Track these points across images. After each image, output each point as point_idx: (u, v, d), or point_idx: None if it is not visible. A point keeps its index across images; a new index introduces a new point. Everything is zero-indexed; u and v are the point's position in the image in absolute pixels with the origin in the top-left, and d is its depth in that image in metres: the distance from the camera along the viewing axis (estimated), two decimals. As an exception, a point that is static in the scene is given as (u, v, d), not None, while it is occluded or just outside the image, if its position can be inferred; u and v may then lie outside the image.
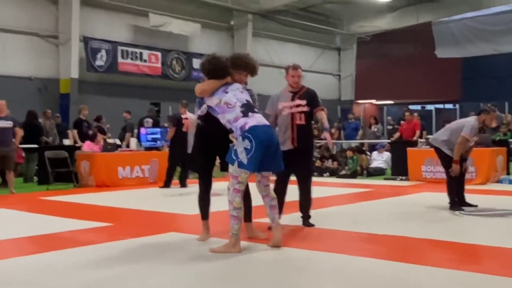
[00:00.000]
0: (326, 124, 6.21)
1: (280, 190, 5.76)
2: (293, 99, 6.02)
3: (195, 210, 6.37)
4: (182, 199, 9.06)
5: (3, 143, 9.76)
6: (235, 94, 4.78)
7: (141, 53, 18.62)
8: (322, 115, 6.11)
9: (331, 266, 4.17)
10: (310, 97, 6.05)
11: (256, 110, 4.79)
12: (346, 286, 3.65)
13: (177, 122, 10.50)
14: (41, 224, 6.45)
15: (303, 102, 5.98)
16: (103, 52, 17.48)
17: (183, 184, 10.57)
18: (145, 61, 18.75)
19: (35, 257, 4.65)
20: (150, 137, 12.05)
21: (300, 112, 5.95)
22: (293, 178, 5.96)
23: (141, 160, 11.52)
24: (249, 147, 4.49)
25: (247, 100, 4.79)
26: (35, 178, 11.97)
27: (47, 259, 4.54)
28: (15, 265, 4.37)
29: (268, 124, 4.80)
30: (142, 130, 12.36)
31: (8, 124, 9.90)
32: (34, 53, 16.44)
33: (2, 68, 15.50)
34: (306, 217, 6.04)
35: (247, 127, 4.55)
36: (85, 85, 17.05)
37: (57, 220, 6.74)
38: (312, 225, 5.92)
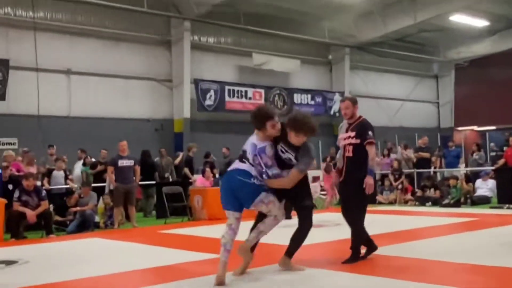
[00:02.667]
0: (371, 163, 5.58)
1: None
2: (347, 131, 5.82)
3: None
4: (288, 230, 9.07)
5: (126, 180, 10.33)
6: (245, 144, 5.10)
7: (246, 91, 19.09)
8: (370, 151, 5.62)
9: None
10: (360, 129, 5.71)
11: (243, 159, 5.01)
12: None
13: None
14: (160, 256, 6.74)
15: (352, 134, 5.71)
16: (212, 92, 18.12)
17: (287, 215, 10.56)
18: (249, 98, 19.17)
19: (156, 287, 4.86)
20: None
21: (349, 144, 5.67)
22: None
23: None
24: None
25: (243, 150, 5.08)
26: (154, 213, 12.52)
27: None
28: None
29: (235, 168, 5.00)
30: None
31: (130, 162, 10.48)
32: (151, 96, 17.38)
33: (125, 112, 16.52)
34: None
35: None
36: (196, 123, 17.71)
37: (174, 252, 6.99)
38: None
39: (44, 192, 9.47)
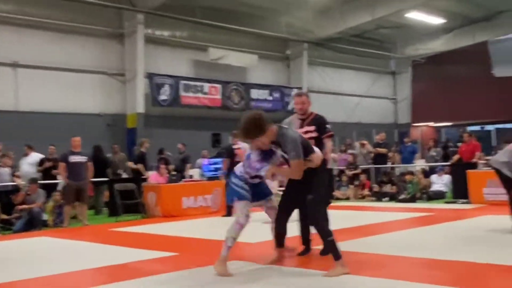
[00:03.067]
0: (327, 157, 5.63)
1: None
2: (301, 126, 5.86)
3: (257, 238, 6.42)
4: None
5: (79, 177, 10.10)
6: None
7: (202, 86, 18.94)
8: (328, 145, 5.82)
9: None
10: (318, 123, 5.85)
11: None
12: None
13: (230, 153, 10.58)
14: (111, 255, 6.60)
15: (311, 128, 5.81)
16: (167, 87, 17.89)
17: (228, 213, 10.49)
18: (205, 93, 19.04)
19: (105, 287, 4.75)
20: (212, 167, 12.20)
21: (310, 138, 5.63)
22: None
23: (204, 190, 11.63)
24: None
25: None
26: (105, 210, 12.29)
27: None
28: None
29: None
30: (204, 161, 12.52)
31: (83, 159, 10.25)
32: (103, 90, 17.02)
33: (75, 106, 16.13)
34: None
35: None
36: (150, 119, 17.47)
37: (126, 250, 6.88)
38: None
39: None
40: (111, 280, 5.03)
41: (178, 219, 10.47)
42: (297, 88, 21.89)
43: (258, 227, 7.06)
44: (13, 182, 10.88)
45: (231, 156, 10.49)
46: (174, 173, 12.81)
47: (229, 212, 10.51)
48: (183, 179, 12.41)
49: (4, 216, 9.96)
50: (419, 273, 4.76)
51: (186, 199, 11.33)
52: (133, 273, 5.24)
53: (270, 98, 21.35)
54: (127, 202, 11.18)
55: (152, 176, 12.04)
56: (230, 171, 10.62)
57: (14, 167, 11.39)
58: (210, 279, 4.88)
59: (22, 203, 9.97)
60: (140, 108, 17.18)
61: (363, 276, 4.64)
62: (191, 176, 13.48)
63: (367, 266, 5.09)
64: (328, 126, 5.86)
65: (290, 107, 21.43)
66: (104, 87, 17.08)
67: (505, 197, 7.74)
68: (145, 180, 12.13)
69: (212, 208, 11.63)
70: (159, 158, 13.54)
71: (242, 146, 10.49)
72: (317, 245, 5.74)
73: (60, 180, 10.86)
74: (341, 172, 14.93)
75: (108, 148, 13.84)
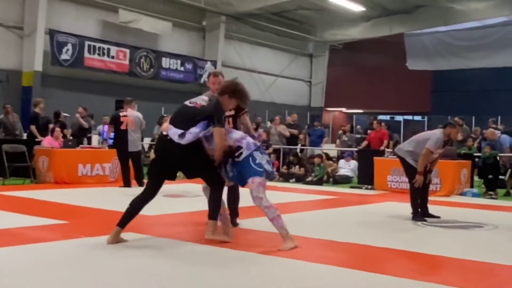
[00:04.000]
0: (251, 131, 5.99)
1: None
2: None
3: (154, 211, 6.32)
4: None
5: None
6: None
7: (108, 49, 18.38)
8: (246, 120, 6.05)
9: (287, 272, 4.10)
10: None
11: None
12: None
13: (115, 120, 10.36)
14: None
15: None
16: (69, 46, 17.19)
17: (140, 183, 10.31)
18: (112, 57, 18.52)
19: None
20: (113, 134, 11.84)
21: (228, 117, 5.79)
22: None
23: (102, 158, 11.28)
24: (268, 158, 5.15)
25: None
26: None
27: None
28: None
29: None
30: (105, 128, 12.14)
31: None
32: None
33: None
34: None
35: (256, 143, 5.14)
36: (49, 79, 16.72)
37: (10, 215, 6.54)
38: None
39: None
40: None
41: (72, 187, 10.10)
42: (211, 61, 21.78)
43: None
44: None
45: (116, 123, 10.28)
46: (71, 138, 12.32)
47: (127, 183, 10.30)
48: (81, 145, 11.96)
49: None
50: (318, 254, 4.86)
51: (82, 167, 10.95)
52: (16, 240, 4.98)
53: (182, 68, 21.11)
54: (16, 165, 10.65)
55: (46, 140, 11.50)
56: (114, 139, 10.53)
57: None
58: (98, 249, 4.73)
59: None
60: (38, 66, 16.40)
61: (261, 254, 4.66)
62: (89, 141, 13.05)
63: (266, 245, 5.12)
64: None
65: (202, 80, 21.28)
66: (-1, 40, 16.15)
67: (407, 186, 8.12)
68: (38, 143, 11.59)
69: (110, 177, 11.32)
70: (55, 121, 12.95)
71: (130, 115, 10.31)
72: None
73: None
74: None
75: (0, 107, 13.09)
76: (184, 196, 9.11)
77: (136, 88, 18.63)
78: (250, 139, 5.14)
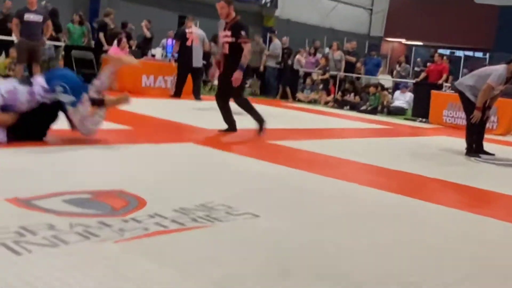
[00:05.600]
0: (243, 60, 6.38)
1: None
2: (224, 30, 6.54)
3: (213, 125, 6.57)
4: (202, 113, 9.16)
5: (32, 36, 9.79)
6: None
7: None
8: (245, 48, 6.40)
9: (338, 192, 4.25)
10: (235, 29, 6.43)
11: None
12: (351, 210, 3.73)
13: (181, 36, 10.64)
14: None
15: (228, 33, 6.45)
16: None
17: (197, 97, 10.75)
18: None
19: (63, 148, 4.80)
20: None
21: (226, 43, 6.45)
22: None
23: (165, 71, 11.51)
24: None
25: None
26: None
27: (78, 153, 4.71)
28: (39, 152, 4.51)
29: None
30: (169, 41, 12.31)
31: (38, 18, 9.89)
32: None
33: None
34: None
35: None
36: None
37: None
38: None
39: None
40: (70, 144, 5.03)
41: (135, 96, 10.36)
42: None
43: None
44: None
45: (182, 39, 10.56)
46: (136, 49, 12.57)
47: (178, 93, 10.78)
48: (144, 57, 12.22)
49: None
50: (365, 177, 4.98)
51: (145, 78, 11.22)
52: (87, 141, 5.27)
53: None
54: (84, 71, 11.00)
55: (112, 49, 11.76)
56: (178, 54, 10.78)
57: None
58: (162, 155, 4.99)
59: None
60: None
61: (315, 173, 4.82)
62: (153, 55, 13.27)
63: (320, 166, 5.29)
64: (243, 33, 6.40)
65: (263, 0, 20.98)
66: None
67: (463, 121, 8.04)
68: (105, 52, 11.88)
69: (171, 90, 11.58)
70: (122, 31, 13.16)
71: (195, 31, 10.54)
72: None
73: (14, 37, 10.52)
74: (306, 75, 14.97)
75: (68, 14, 13.33)
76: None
77: (197, 3, 18.57)
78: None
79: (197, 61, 10.74)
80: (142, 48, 13.29)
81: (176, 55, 11.11)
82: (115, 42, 11.76)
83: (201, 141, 6.01)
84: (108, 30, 12.33)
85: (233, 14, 6.51)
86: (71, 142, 5.06)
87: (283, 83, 14.49)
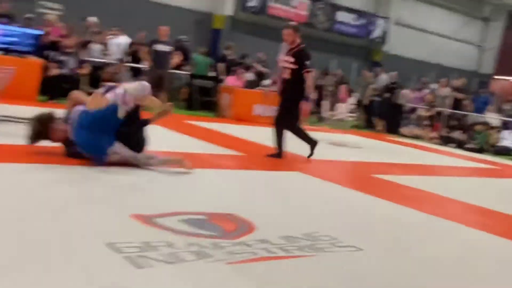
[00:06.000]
0: (309, 91, 6.36)
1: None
2: (287, 54, 6.39)
3: (318, 155, 6.56)
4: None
5: (161, 64, 10.35)
6: None
7: (290, -1, 18.61)
8: (308, 79, 6.29)
9: (444, 231, 4.07)
10: (299, 57, 6.29)
11: None
12: (457, 252, 3.56)
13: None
14: (185, 143, 6.87)
15: (291, 59, 6.29)
16: (256, -6, 17.70)
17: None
18: (293, 7, 18.70)
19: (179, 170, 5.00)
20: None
21: (287, 68, 6.31)
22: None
23: (275, 100, 11.58)
24: None
25: None
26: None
27: (194, 175, 4.84)
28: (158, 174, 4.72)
29: None
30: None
31: (168, 48, 10.44)
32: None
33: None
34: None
35: None
36: (237, 23, 17.39)
37: (196, 142, 7.12)
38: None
39: (82, 58, 9.61)
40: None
41: (248, 124, 10.63)
42: (383, 18, 21.12)
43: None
44: (103, 59, 11.25)
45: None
46: (251, 79, 12.87)
47: None
48: (259, 87, 12.49)
49: (90, 90, 10.41)
50: (473, 219, 4.74)
51: (257, 107, 11.42)
52: (202, 163, 5.43)
53: (356, 23, 20.70)
54: (204, 99, 11.39)
55: (230, 79, 12.15)
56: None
57: (104, 45, 11.71)
58: (269, 181, 5.05)
59: (109, 80, 10.34)
60: (229, 10, 17.08)
61: (420, 211, 4.65)
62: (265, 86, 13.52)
63: (425, 203, 5.10)
64: (307, 62, 6.26)
65: (373, 35, 20.80)
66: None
67: None
68: (222, 81, 12.28)
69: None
70: (240, 62, 13.58)
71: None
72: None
73: (145, 65, 11.16)
74: (413, 110, 14.58)
75: (192, 44, 13.94)
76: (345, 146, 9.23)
77: (310, 38, 18.74)
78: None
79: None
80: (258, 79, 13.57)
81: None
82: (233, 72, 12.14)
83: (308, 170, 6.02)
84: (227, 61, 12.75)
85: (298, 40, 6.40)
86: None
87: (382, 116, 14.15)
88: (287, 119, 6.51)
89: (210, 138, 7.59)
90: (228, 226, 3.33)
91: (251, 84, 12.07)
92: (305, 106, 6.42)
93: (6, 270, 2.25)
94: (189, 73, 12.53)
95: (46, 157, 4.54)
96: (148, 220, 3.21)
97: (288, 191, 4.80)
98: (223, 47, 13.44)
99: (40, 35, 9.53)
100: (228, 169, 5.39)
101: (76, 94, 5.07)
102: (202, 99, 11.39)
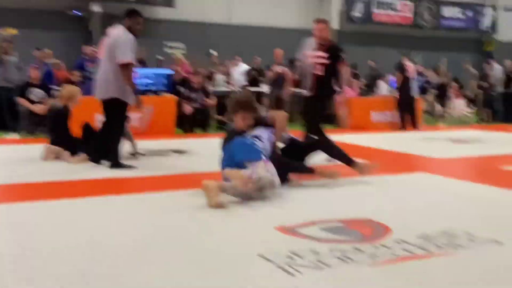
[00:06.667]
0: (345, 81, 6.25)
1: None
2: (317, 50, 6.02)
3: (442, 153, 6.36)
4: (427, 142, 8.94)
5: (279, 86, 10.62)
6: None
7: (393, 3, 18.21)
8: (346, 71, 6.16)
9: None
10: (334, 51, 5.99)
11: None
12: None
13: (401, 68, 10.65)
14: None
15: (325, 55, 5.96)
16: (360, 4, 17.54)
17: (416, 126, 10.72)
18: (397, 10, 18.31)
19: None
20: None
21: (321, 64, 5.96)
22: None
23: (390, 105, 11.39)
24: None
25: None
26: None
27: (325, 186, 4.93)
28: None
29: None
30: (392, 78, 12.31)
31: (283, 70, 10.74)
32: (300, 5, 17.27)
33: (274, 21, 16.61)
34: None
35: None
36: (344, 35, 17.34)
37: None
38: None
39: (210, 91, 10.19)
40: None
41: (366, 131, 10.53)
42: (491, 6, 19.93)
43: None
44: (227, 88, 11.77)
45: (402, 71, 10.58)
46: (364, 87, 12.81)
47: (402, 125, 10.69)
48: (372, 94, 12.40)
49: (219, 117, 10.96)
50: None
51: (374, 113, 11.31)
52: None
53: (463, 16, 19.73)
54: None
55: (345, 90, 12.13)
56: (399, 87, 10.77)
57: (227, 75, 12.27)
58: (393, 186, 5.02)
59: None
60: (335, 24, 17.10)
61: None
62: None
63: None
64: (343, 55, 6.07)
65: (483, 26, 19.70)
66: (300, 2, 17.25)
67: None
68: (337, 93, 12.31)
69: (399, 123, 11.39)
70: (352, 73, 13.53)
71: (409, 64, 10.64)
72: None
73: (265, 89, 11.52)
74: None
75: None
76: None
77: (417, 39, 18.22)
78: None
79: (415, 91, 10.92)
80: (370, 85, 13.49)
81: (396, 87, 11.24)
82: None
83: (433, 170, 5.90)
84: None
85: (329, 35, 6.20)
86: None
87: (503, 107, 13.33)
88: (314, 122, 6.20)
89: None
90: (365, 231, 3.40)
91: (365, 92, 12.01)
92: (340, 99, 6.35)
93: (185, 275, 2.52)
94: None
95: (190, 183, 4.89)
96: (291, 231, 3.37)
97: (416, 192, 4.74)
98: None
99: (171, 74, 10.28)
100: (353, 176, 5.43)
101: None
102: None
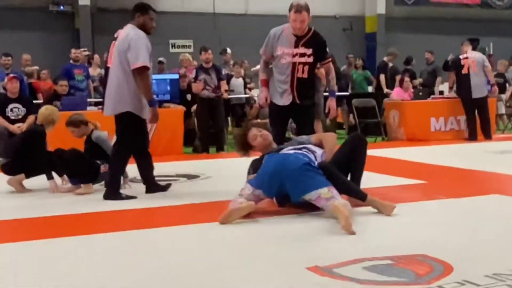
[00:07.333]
0: (333, 83, 5.98)
1: None
2: (296, 46, 5.68)
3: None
4: (502, 156, 8.96)
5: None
6: None
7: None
8: (331, 71, 5.88)
9: None
10: (317, 46, 5.70)
11: None
12: None
13: (455, 64, 10.38)
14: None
15: (308, 51, 5.66)
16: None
17: (487, 135, 10.48)
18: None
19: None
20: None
21: (304, 63, 5.63)
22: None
23: (456, 110, 11.22)
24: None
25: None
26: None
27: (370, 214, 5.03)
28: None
29: None
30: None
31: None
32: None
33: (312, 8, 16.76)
34: None
35: None
36: (393, 21, 17.41)
37: (369, 175, 7.28)
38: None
39: (224, 72, 10.37)
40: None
41: (425, 144, 10.51)
42: None
43: None
44: (246, 94, 11.82)
45: (456, 68, 10.36)
46: (420, 87, 12.71)
47: (472, 136, 10.50)
48: (432, 96, 12.23)
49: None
50: None
51: (434, 121, 11.19)
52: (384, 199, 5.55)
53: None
54: (366, 121, 11.46)
55: (395, 91, 12.11)
56: (456, 85, 10.53)
57: (246, 77, 12.28)
58: (463, 212, 5.09)
59: (256, 117, 10.83)
60: (381, 8, 17.19)
61: None
62: (441, 92, 13.27)
63: None
64: (328, 49, 5.86)
65: None
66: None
67: None
68: (386, 96, 12.29)
69: (465, 132, 11.24)
70: (404, 69, 13.45)
71: (471, 56, 10.25)
72: None
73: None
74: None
75: (342, 57, 14.20)
76: None
77: (489, 21, 18.15)
78: None
79: (479, 90, 10.49)
80: (428, 85, 13.27)
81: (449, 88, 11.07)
82: (397, 83, 12.16)
83: (508, 192, 5.93)
84: (388, 70, 12.76)
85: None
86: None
87: None
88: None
89: (382, 168, 7.69)
90: (419, 269, 3.46)
91: (422, 93, 11.89)
92: (332, 103, 6.13)
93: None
94: (346, 93, 12.71)
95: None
96: (327, 271, 3.45)
97: (486, 219, 4.78)
98: (385, 52, 13.45)
99: (176, 79, 10.41)
100: (410, 202, 5.50)
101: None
102: (363, 121, 11.45)
